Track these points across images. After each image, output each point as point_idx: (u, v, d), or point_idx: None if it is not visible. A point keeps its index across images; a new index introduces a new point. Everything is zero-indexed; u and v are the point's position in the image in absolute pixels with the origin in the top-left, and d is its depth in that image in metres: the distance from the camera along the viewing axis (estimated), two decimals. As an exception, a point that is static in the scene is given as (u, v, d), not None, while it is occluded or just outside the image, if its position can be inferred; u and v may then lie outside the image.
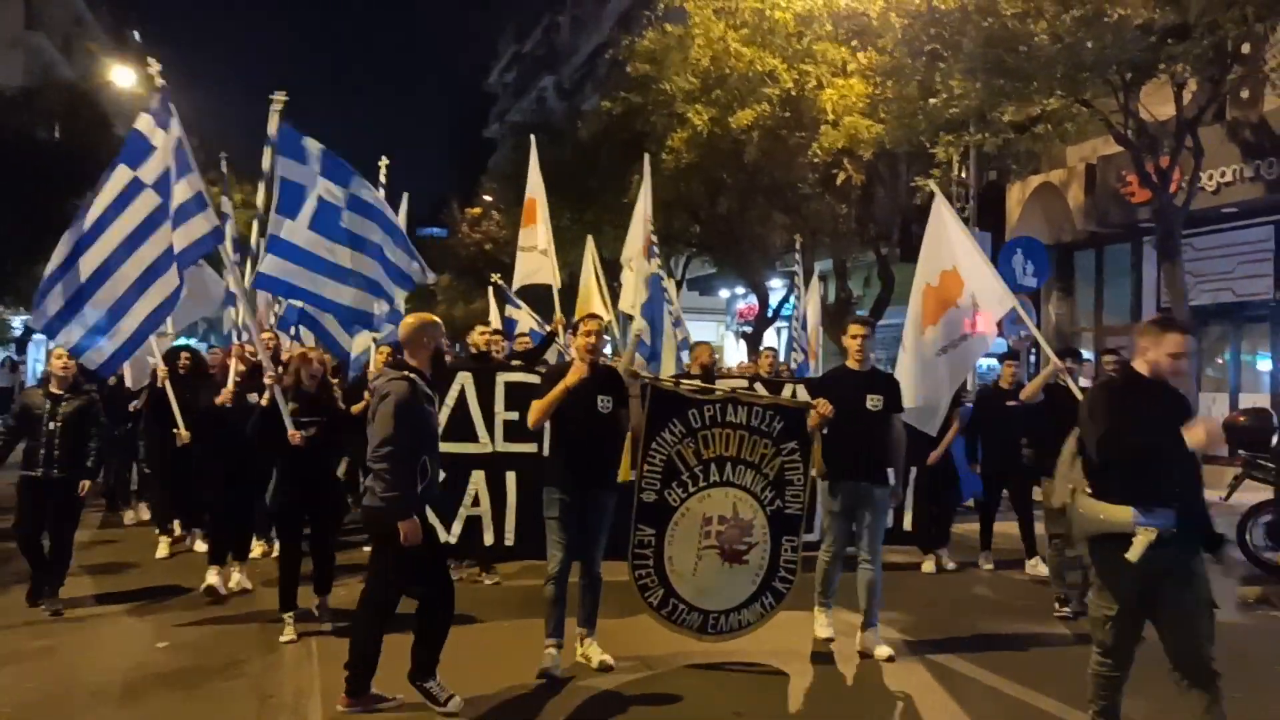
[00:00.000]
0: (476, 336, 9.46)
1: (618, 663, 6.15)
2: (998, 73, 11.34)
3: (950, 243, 8.41)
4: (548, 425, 6.28)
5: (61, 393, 7.55)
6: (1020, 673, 6.20)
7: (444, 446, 6.70)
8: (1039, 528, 9.22)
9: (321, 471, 6.97)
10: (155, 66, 7.30)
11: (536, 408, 6.12)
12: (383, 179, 9.56)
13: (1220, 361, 16.52)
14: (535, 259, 12.05)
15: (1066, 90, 11.46)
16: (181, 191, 7.09)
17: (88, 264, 7.13)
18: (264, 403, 6.94)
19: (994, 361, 13.64)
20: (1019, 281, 13.69)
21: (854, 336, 6.74)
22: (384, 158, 10.98)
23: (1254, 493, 9.26)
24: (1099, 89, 11.96)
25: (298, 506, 6.88)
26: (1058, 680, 5.94)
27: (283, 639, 6.61)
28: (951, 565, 9.38)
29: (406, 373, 5.25)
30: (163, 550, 9.43)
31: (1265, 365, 15.45)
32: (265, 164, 7.80)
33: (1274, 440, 9.51)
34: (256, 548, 8.99)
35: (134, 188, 7.14)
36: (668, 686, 5.92)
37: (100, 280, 7.11)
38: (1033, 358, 15.45)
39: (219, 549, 7.93)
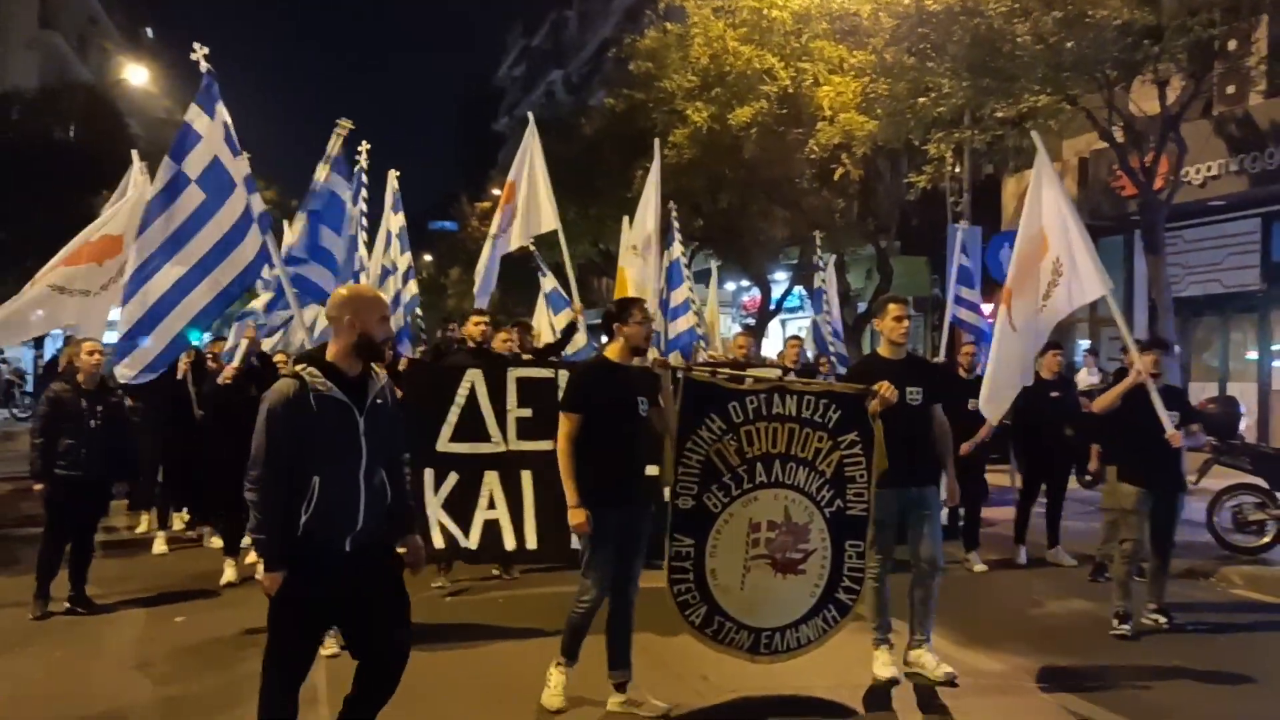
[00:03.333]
0: (471, 328, 9.39)
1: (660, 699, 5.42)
2: (982, 72, 11.69)
3: (1042, 204, 7.53)
4: (560, 420, 5.34)
5: (94, 389, 7.38)
6: (1094, 693, 5.75)
7: (455, 448, 6.88)
8: (1068, 522, 9.51)
9: None
10: (202, 50, 6.96)
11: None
12: (364, 174, 9.77)
13: (1210, 352, 16.84)
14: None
15: (1049, 89, 11.79)
16: (237, 204, 6.87)
17: (137, 261, 6.86)
18: None
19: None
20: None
21: (896, 318, 5.99)
22: (393, 172, 11.33)
23: (1221, 478, 9.64)
24: (1085, 86, 12.32)
25: None
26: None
27: (324, 651, 6.12)
28: (981, 567, 8.91)
29: (303, 367, 4.04)
30: (160, 546, 9.51)
31: (1253, 355, 15.75)
32: (319, 177, 7.98)
33: (1241, 427, 9.87)
34: None
35: (180, 181, 6.86)
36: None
37: (141, 279, 6.80)
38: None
39: (233, 540, 8.12)
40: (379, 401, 4.13)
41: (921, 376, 6.00)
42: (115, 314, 7.26)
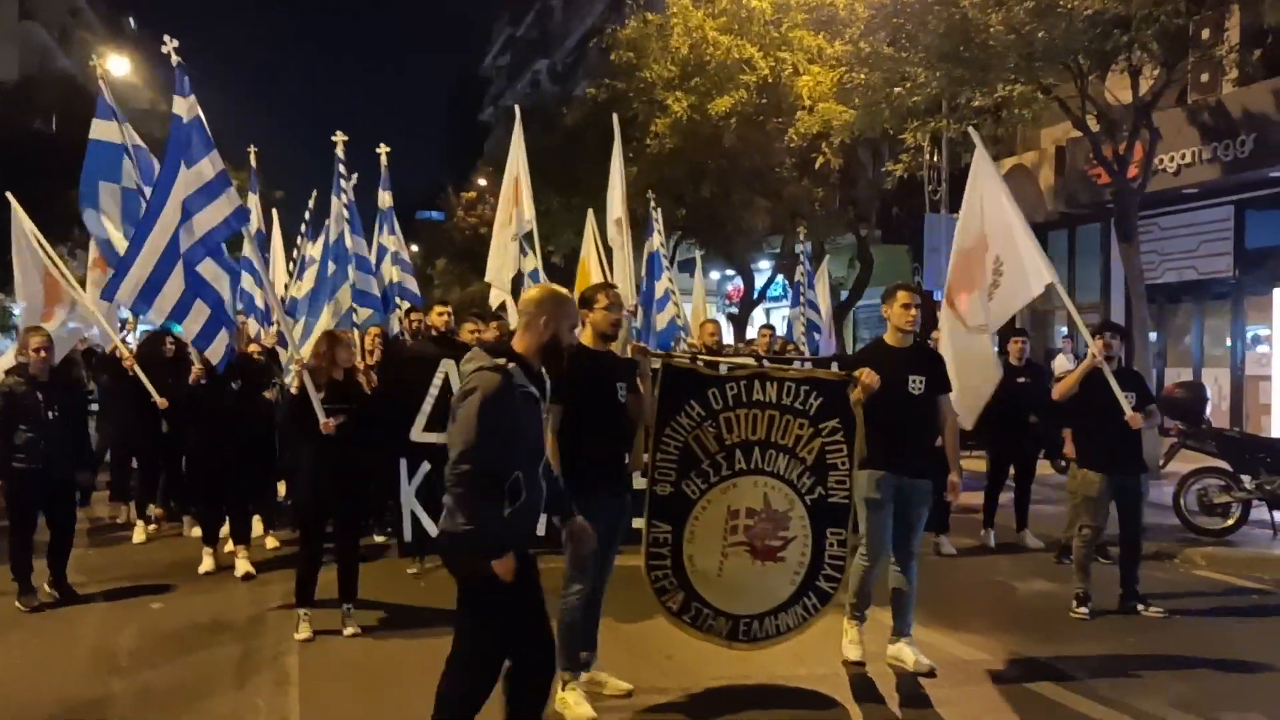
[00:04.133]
0: (435, 318, 9.39)
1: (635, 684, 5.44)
2: (956, 62, 11.80)
3: (982, 202, 7.41)
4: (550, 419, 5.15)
5: (48, 381, 7.31)
6: (1072, 674, 5.79)
7: (429, 437, 6.92)
8: (1040, 506, 9.67)
9: (350, 464, 6.54)
10: (172, 43, 7.01)
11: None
12: (343, 165, 9.90)
13: (1185, 338, 17.02)
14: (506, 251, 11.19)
15: (1022, 78, 11.90)
16: (205, 170, 6.99)
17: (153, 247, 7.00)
18: (294, 390, 6.67)
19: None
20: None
21: (905, 305, 5.86)
22: (382, 145, 11.44)
23: (1188, 462, 9.80)
24: (1058, 76, 12.46)
25: (324, 500, 6.59)
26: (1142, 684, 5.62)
27: (298, 636, 6.40)
28: (950, 550, 9.02)
29: (503, 361, 3.93)
30: (139, 535, 9.55)
31: (1226, 340, 15.93)
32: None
33: (1207, 411, 10.03)
34: (270, 540, 9.22)
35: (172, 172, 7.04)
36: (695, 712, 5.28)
37: (168, 267, 7.00)
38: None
39: (210, 530, 8.21)
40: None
41: (926, 366, 5.91)
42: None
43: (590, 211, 13.17)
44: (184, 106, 7.03)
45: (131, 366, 9.05)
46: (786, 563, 5.56)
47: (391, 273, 11.25)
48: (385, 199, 11.63)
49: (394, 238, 11.46)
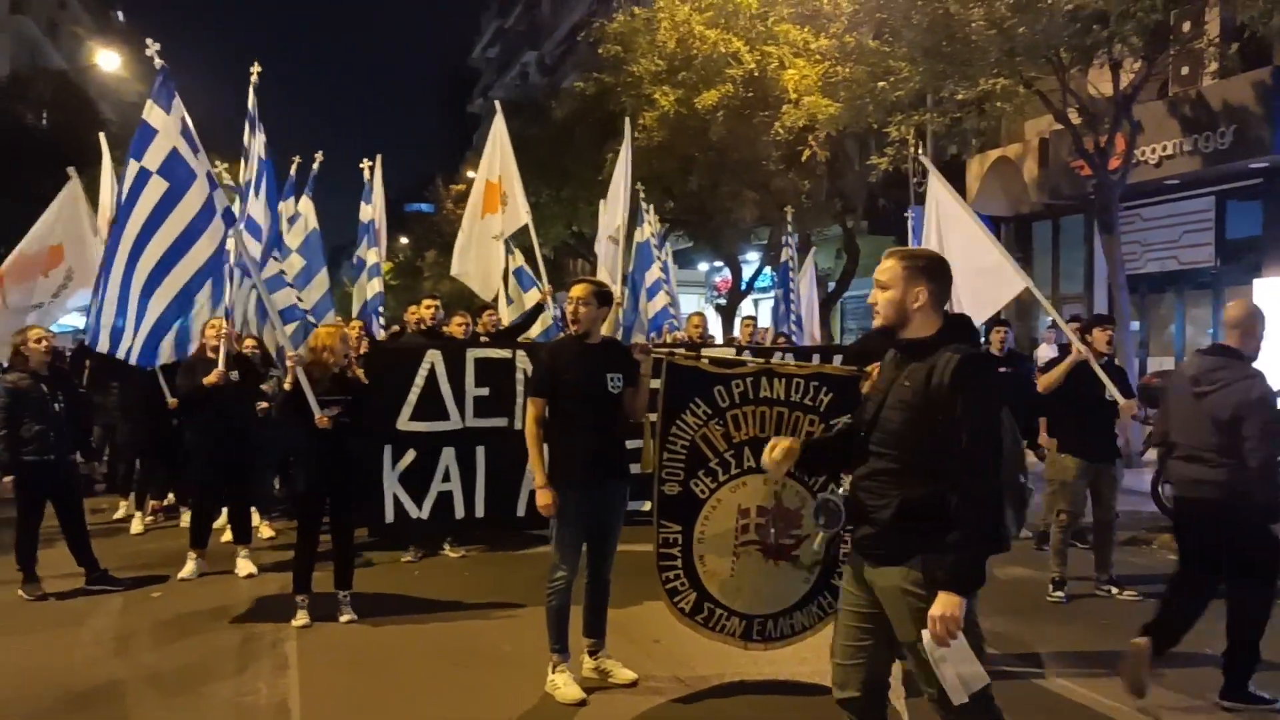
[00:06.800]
0: (423, 310, 9.57)
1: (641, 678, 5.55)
2: (938, 56, 11.98)
3: (936, 223, 7.78)
4: (528, 404, 5.46)
5: (50, 374, 7.48)
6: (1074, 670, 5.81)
7: (414, 426, 6.97)
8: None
9: (345, 455, 6.72)
10: (154, 46, 7.05)
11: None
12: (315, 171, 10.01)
13: (1167, 328, 17.24)
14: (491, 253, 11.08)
15: (1004, 72, 12.08)
16: (194, 200, 6.97)
17: (117, 268, 7.04)
18: (287, 385, 6.79)
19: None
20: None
21: None
22: (366, 160, 11.57)
23: (1166, 449, 10.00)
24: (1040, 70, 12.64)
25: (320, 490, 6.75)
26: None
27: (296, 623, 6.54)
28: None
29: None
30: (137, 526, 9.73)
31: (1208, 329, 16.15)
32: (245, 140, 8.21)
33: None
34: (265, 529, 9.32)
35: (141, 177, 6.97)
36: (708, 712, 5.23)
37: (127, 276, 7.02)
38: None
39: (200, 532, 8.01)
40: None
41: None
42: (82, 298, 7.40)
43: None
44: (159, 119, 6.98)
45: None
46: (800, 561, 5.48)
47: (371, 286, 11.39)
48: (367, 211, 11.71)
49: (375, 250, 11.54)
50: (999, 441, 3.31)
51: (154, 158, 6.94)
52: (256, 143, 8.48)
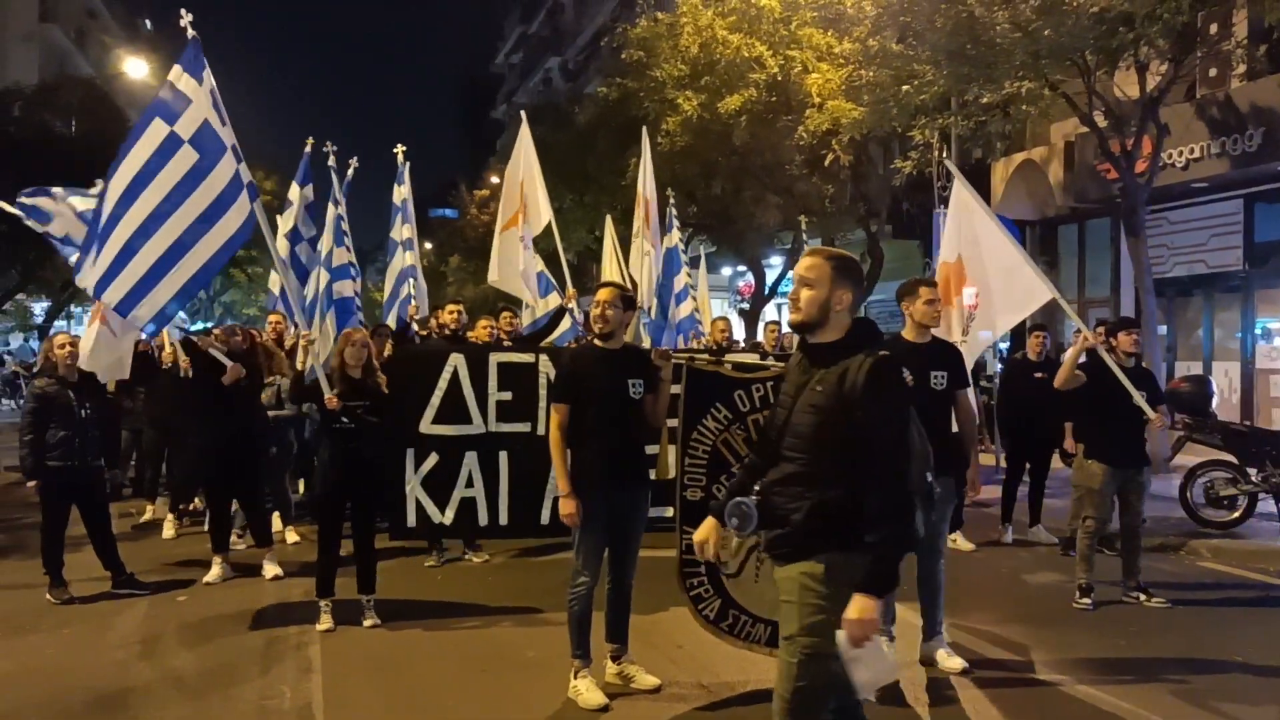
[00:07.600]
0: (446, 316, 9.58)
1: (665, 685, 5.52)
2: (962, 59, 11.92)
3: (960, 229, 7.69)
4: (551, 411, 5.45)
5: (77, 380, 7.49)
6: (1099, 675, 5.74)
7: (437, 429, 7.02)
8: (1054, 500, 9.74)
9: (364, 458, 6.73)
10: (187, 17, 6.96)
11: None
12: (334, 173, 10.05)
13: (1195, 332, 17.07)
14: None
15: (1027, 75, 12.00)
16: (223, 173, 6.86)
17: (128, 224, 6.76)
18: (300, 365, 6.84)
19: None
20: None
21: (928, 301, 5.82)
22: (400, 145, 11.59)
23: (1195, 455, 9.91)
24: (1065, 72, 12.55)
25: (339, 493, 6.76)
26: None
27: (319, 627, 6.59)
28: (968, 546, 9.11)
29: None
30: (169, 530, 9.78)
31: (1236, 334, 15.98)
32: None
33: (1213, 405, 10.13)
34: (289, 534, 9.35)
35: (171, 143, 6.78)
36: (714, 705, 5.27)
37: (142, 239, 6.75)
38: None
39: (219, 537, 8.07)
40: None
41: (946, 361, 5.84)
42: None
43: (609, 218, 13.33)
44: (190, 87, 6.84)
45: (174, 359, 8.89)
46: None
47: (404, 259, 11.38)
48: (400, 192, 11.75)
49: (408, 226, 11.57)
50: (911, 443, 3.33)
51: (186, 127, 6.81)
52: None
